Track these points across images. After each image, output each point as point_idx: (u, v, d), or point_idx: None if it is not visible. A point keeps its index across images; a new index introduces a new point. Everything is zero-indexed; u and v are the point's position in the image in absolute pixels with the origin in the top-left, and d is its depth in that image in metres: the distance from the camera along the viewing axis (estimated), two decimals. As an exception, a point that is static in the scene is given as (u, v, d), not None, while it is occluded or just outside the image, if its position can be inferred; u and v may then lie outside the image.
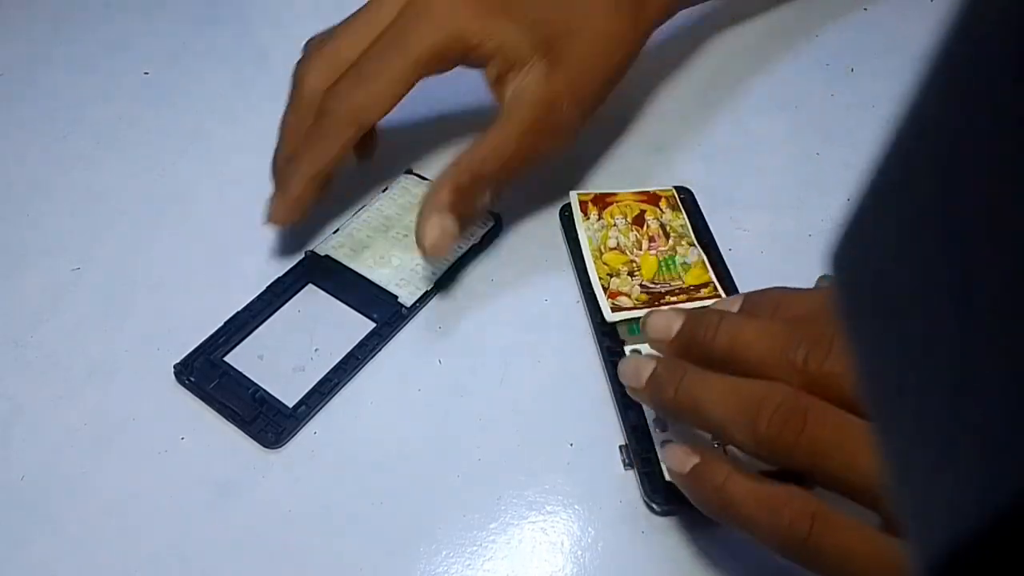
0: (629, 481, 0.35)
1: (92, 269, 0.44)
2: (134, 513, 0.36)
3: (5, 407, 0.39)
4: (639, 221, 0.42)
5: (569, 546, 0.34)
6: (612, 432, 0.37)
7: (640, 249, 0.41)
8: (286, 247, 0.44)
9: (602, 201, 0.43)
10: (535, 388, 0.39)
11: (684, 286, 0.40)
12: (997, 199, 0.10)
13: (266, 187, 0.42)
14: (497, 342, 0.40)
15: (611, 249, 0.41)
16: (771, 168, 0.46)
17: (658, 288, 0.40)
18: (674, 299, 0.39)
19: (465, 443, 0.37)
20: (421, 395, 0.39)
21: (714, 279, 0.40)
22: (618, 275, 0.40)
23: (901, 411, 0.13)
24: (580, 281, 0.41)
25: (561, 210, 0.44)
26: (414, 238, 0.39)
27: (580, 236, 0.42)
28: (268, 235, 0.45)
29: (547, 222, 0.45)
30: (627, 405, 0.36)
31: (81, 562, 0.34)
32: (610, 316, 0.39)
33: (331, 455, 0.37)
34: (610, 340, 0.38)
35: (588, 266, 0.41)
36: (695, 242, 0.41)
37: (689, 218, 0.43)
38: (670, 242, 0.41)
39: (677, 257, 0.41)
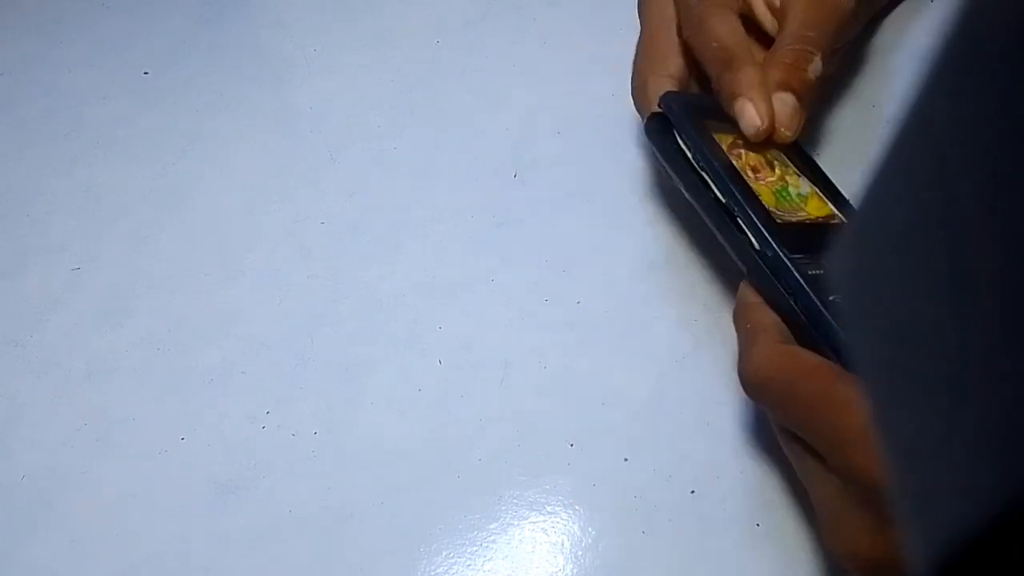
0: (630, 481, 0.35)
1: (92, 269, 0.44)
2: (134, 512, 0.36)
3: (5, 407, 0.39)
4: (734, 147, 0.35)
5: (569, 546, 0.34)
6: (612, 432, 0.37)
7: (749, 177, 0.34)
8: (290, 247, 0.44)
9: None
10: (535, 388, 0.39)
11: (811, 217, 0.34)
12: (998, 199, 0.10)
13: (264, 186, 0.42)
14: (497, 342, 0.40)
15: None
16: (771, 168, 0.46)
17: (788, 217, 0.33)
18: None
19: (465, 443, 0.37)
20: (421, 395, 0.39)
21: (836, 211, 0.35)
22: None
23: (902, 411, 0.13)
24: (700, 204, 0.34)
25: (649, 120, 0.36)
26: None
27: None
28: (267, 234, 0.45)
29: (549, 222, 0.45)
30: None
31: (81, 561, 0.34)
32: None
33: (331, 455, 0.37)
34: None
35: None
36: (800, 172, 0.35)
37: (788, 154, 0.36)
38: (776, 171, 0.35)
39: (790, 188, 0.35)
